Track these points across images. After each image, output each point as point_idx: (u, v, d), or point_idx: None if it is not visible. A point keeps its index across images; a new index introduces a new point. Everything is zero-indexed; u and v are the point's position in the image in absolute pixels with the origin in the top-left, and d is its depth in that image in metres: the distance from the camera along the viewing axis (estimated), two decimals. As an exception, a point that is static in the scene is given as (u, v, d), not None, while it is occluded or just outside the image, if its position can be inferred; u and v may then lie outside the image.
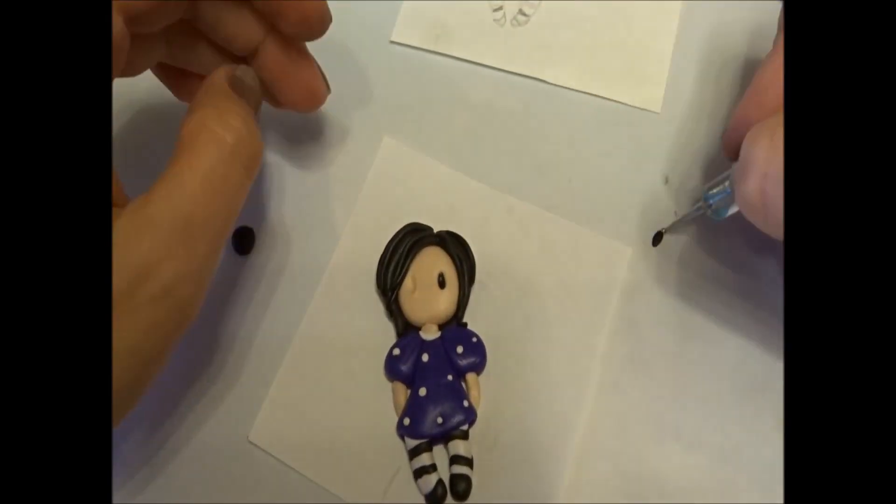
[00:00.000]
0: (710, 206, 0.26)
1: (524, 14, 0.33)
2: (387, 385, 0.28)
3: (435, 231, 0.29)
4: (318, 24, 0.27)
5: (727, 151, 0.26)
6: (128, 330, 0.21)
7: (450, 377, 0.27)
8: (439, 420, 0.26)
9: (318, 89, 0.28)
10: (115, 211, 0.22)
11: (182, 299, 0.22)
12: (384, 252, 0.29)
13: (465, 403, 0.27)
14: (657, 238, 0.29)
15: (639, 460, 0.26)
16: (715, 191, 0.26)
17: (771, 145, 0.20)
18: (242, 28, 0.26)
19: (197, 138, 0.23)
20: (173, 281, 0.22)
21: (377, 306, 0.29)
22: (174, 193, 0.22)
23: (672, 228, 0.29)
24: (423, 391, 0.27)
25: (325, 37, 0.29)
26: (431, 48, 0.33)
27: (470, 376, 0.27)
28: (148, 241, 0.21)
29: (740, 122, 0.24)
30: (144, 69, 0.26)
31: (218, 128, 0.23)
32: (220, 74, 0.25)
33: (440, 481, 0.26)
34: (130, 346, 0.21)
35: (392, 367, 0.27)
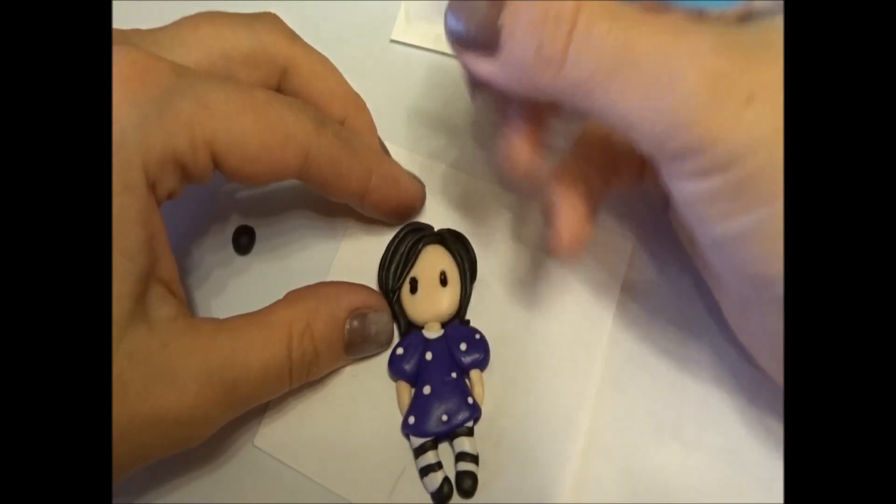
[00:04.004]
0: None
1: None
2: (391, 384, 0.28)
3: (435, 230, 0.29)
4: (419, 209, 0.30)
5: None
6: (122, 455, 0.21)
7: (453, 375, 0.27)
8: (444, 418, 0.26)
9: (416, 204, 0.29)
10: (170, 303, 0.23)
11: (190, 440, 0.23)
12: (385, 252, 0.29)
13: (470, 400, 0.27)
14: (413, 286, 0.28)
15: (639, 459, 0.26)
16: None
17: None
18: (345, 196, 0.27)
19: (288, 332, 0.24)
20: (193, 426, 0.23)
21: (380, 306, 0.29)
22: (237, 358, 0.23)
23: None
24: (427, 389, 0.27)
25: (325, 36, 0.29)
26: (431, 48, 0.33)
27: (474, 373, 0.27)
28: (195, 387, 0.22)
29: None
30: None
31: (309, 349, 0.25)
32: (344, 314, 0.26)
33: (446, 479, 0.26)
34: (120, 465, 0.21)
35: (395, 367, 0.27)
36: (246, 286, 0.30)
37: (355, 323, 0.26)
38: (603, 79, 0.19)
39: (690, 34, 0.18)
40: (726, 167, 0.18)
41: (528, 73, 0.20)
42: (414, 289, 0.28)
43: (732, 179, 0.18)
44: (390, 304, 0.28)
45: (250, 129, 0.23)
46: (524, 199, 0.30)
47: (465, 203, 0.30)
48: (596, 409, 0.27)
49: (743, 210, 0.19)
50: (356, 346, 0.27)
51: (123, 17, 0.27)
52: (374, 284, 0.29)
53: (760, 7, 0.19)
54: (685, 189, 0.20)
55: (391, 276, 0.28)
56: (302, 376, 0.25)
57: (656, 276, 0.29)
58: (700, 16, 0.19)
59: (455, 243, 0.29)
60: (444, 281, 0.28)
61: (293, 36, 0.27)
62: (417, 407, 0.27)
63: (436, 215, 0.30)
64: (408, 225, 0.29)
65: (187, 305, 0.24)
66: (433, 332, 0.28)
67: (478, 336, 0.28)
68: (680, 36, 0.18)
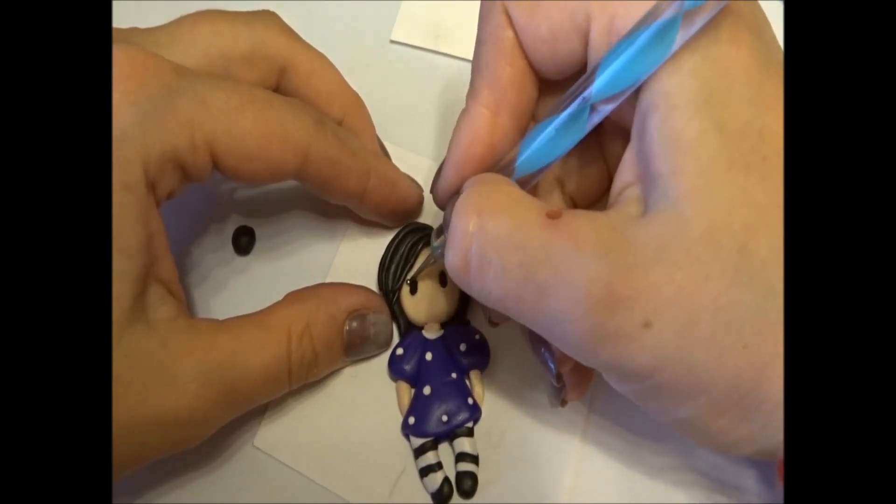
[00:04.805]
0: (441, 255, 0.24)
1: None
2: (391, 385, 0.28)
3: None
4: (417, 211, 0.30)
5: (439, 203, 0.25)
6: (121, 455, 0.21)
7: (453, 375, 0.27)
8: (444, 418, 0.26)
9: (413, 207, 0.29)
10: (167, 301, 0.23)
11: (189, 440, 0.23)
12: (385, 253, 0.29)
13: (470, 401, 0.27)
14: (413, 286, 0.28)
15: (639, 459, 0.26)
16: (437, 243, 0.25)
17: (477, 223, 0.20)
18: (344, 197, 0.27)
19: (287, 333, 0.24)
20: (192, 427, 0.23)
21: (379, 306, 0.29)
22: (236, 358, 0.23)
23: (418, 276, 0.28)
24: (427, 390, 0.27)
25: (325, 36, 0.29)
26: (431, 48, 0.33)
27: (473, 374, 0.27)
28: (194, 387, 0.22)
29: (451, 179, 0.23)
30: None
31: (308, 350, 0.25)
32: (343, 316, 0.26)
33: (446, 479, 0.26)
34: (119, 465, 0.21)
35: (395, 367, 0.27)
36: (245, 286, 0.30)
37: (354, 324, 0.26)
38: (513, 304, 0.20)
39: (585, 252, 0.18)
40: (639, 380, 0.19)
41: (457, 282, 0.21)
42: (414, 289, 0.28)
43: (649, 386, 0.19)
44: (390, 305, 0.28)
45: (250, 129, 0.23)
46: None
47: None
48: (595, 409, 0.27)
49: (669, 407, 0.20)
50: (355, 348, 0.27)
51: (123, 17, 0.27)
52: (373, 285, 0.29)
53: (657, 199, 0.19)
54: (615, 386, 0.21)
55: (391, 276, 0.28)
56: (301, 377, 0.25)
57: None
58: (597, 217, 0.20)
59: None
60: (443, 281, 0.28)
61: (292, 34, 0.27)
62: (417, 407, 0.27)
63: (435, 216, 0.30)
64: (407, 225, 0.29)
65: (187, 305, 0.24)
66: (433, 332, 0.28)
67: (478, 336, 0.28)
68: (575, 254, 0.19)
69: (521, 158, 0.21)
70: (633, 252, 0.18)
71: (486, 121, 0.22)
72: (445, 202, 0.24)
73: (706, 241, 0.18)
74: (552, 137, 0.21)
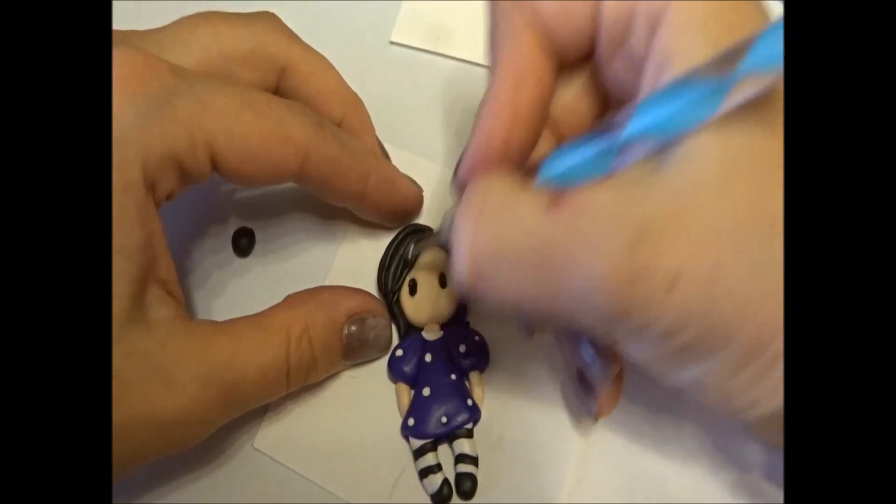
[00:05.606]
0: (448, 229, 0.23)
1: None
2: (390, 386, 0.28)
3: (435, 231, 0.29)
4: (417, 211, 0.30)
5: (460, 183, 0.24)
6: (120, 454, 0.21)
7: (453, 376, 0.27)
8: (443, 419, 0.26)
9: (413, 207, 0.29)
10: (166, 302, 0.23)
11: (187, 441, 0.23)
12: (384, 254, 0.29)
13: (469, 402, 0.27)
14: (412, 287, 0.28)
15: (639, 460, 0.26)
16: (446, 215, 0.24)
17: (476, 225, 0.20)
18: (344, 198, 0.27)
19: (286, 335, 0.24)
20: (190, 427, 0.23)
21: (379, 308, 0.29)
22: (235, 360, 0.23)
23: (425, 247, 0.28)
24: (426, 391, 0.27)
25: (324, 37, 0.29)
26: (431, 48, 0.33)
27: (473, 375, 0.27)
28: (193, 388, 0.22)
29: (471, 167, 0.23)
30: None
31: (307, 353, 0.25)
32: (342, 319, 0.26)
33: (445, 480, 0.26)
34: (118, 465, 0.21)
35: (395, 368, 0.27)
36: (245, 288, 0.30)
37: (353, 328, 0.26)
38: (529, 302, 0.20)
39: (599, 226, 0.18)
40: (662, 342, 0.19)
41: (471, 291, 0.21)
42: (413, 290, 0.28)
43: (671, 348, 0.19)
44: (389, 306, 0.28)
45: (249, 130, 0.23)
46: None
47: (464, 204, 0.30)
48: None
49: (688, 365, 0.19)
50: (354, 351, 0.27)
51: (123, 17, 0.27)
52: (373, 286, 0.29)
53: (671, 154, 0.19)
54: (632, 353, 0.20)
55: (391, 277, 0.28)
56: (300, 380, 0.25)
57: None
58: (605, 187, 0.19)
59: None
60: (443, 283, 0.28)
61: (292, 35, 0.27)
62: (417, 408, 0.27)
63: (435, 217, 0.30)
64: (407, 227, 0.29)
65: (186, 307, 0.24)
66: (433, 333, 0.28)
67: (477, 338, 0.28)
68: (589, 233, 0.18)
69: (541, 179, 0.21)
70: (647, 214, 0.18)
71: (508, 95, 0.22)
72: (465, 183, 0.23)
73: (724, 190, 0.18)
74: (575, 165, 0.20)
